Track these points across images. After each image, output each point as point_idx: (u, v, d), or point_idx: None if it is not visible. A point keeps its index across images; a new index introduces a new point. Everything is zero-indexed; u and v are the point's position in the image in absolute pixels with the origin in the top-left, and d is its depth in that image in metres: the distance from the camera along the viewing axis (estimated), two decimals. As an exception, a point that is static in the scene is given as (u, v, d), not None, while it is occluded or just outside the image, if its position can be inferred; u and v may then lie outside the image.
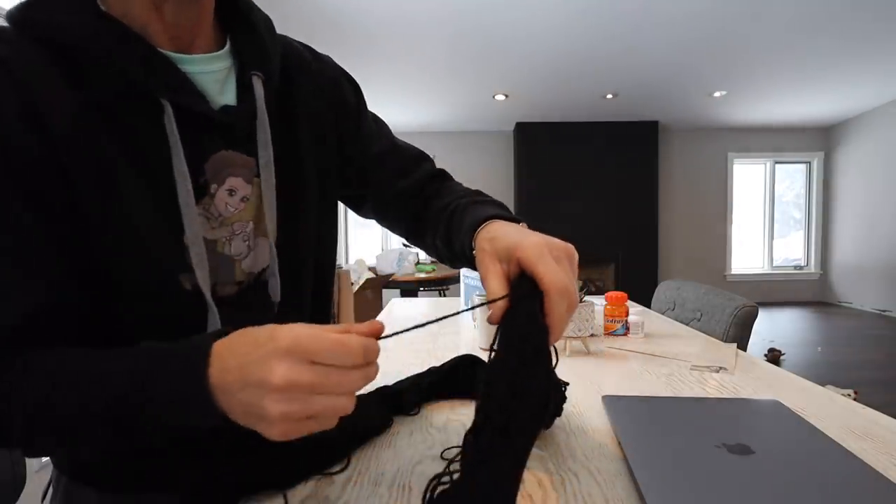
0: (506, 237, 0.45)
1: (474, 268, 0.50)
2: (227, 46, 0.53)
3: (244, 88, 0.52)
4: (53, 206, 0.42)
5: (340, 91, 0.65)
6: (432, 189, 0.66)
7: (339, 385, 0.34)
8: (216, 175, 0.50)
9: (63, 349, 0.42)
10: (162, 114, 0.45)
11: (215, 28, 0.54)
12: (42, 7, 0.43)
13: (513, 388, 0.37)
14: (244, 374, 0.33)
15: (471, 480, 0.34)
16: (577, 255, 0.45)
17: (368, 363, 0.35)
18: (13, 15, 0.44)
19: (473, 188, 0.69)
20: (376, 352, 0.36)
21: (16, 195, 0.40)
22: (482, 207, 0.54)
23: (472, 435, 0.37)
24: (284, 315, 0.57)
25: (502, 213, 0.52)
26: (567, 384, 0.65)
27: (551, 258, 0.41)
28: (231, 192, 0.51)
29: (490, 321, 0.42)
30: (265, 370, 0.32)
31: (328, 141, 0.62)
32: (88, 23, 0.43)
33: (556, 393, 0.60)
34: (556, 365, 0.44)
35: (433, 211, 0.63)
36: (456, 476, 0.35)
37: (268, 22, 0.57)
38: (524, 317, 0.41)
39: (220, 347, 0.36)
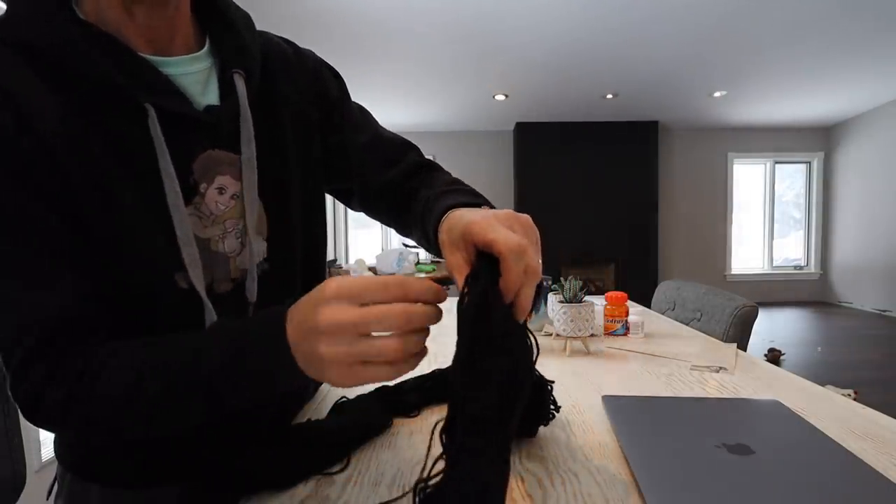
0: (458, 223, 0.42)
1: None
2: (207, 46, 0.54)
3: (226, 87, 0.52)
4: (63, 207, 0.43)
5: (323, 83, 0.65)
6: (417, 180, 0.64)
7: (381, 321, 0.35)
8: (205, 174, 0.51)
9: (132, 341, 0.44)
10: (146, 117, 0.45)
11: (194, 27, 0.54)
12: (19, 17, 0.44)
13: (470, 376, 0.35)
14: (301, 327, 0.36)
15: (450, 481, 0.33)
16: (533, 226, 0.42)
17: (410, 300, 0.36)
18: None
19: (472, 187, 0.68)
20: (419, 291, 0.36)
21: (32, 196, 0.41)
22: (445, 198, 0.51)
23: (445, 434, 0.36)
24: None
25: (462, 201, 0.49)
26: (552, 382, 0.58)
27: (501, 225, 0.39)
28: (221, 190, 0.52)
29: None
30: (313, 316, 0.35)
31: (312, 135, 0.62)
32: (66, 30, 0.43)
33: (529, 375, 0.49)
34: (530, 343, 0.40)
35: (415, 204, 0.61)
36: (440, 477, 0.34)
37: (246, 19, 0.57)
38: (473, 297, 0.37)
39: (290, 313, 0.39)
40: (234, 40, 0.54)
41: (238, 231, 0.54)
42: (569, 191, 5.99)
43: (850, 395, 2.78)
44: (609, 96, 5.05)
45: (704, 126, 6.37)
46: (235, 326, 0.42)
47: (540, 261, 0.40)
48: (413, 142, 0.71)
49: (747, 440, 0.53)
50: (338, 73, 0.68)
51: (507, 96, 5.03)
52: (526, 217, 0.42)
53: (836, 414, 0.65)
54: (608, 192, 6.00)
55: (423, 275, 4.12)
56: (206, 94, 0.52)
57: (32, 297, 0.42)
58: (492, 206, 0.50)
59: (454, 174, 0.71)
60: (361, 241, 6.69)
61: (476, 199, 0.51)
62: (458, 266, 0.41)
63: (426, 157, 0.70)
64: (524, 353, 0.39)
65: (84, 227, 0.44)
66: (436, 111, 5.56)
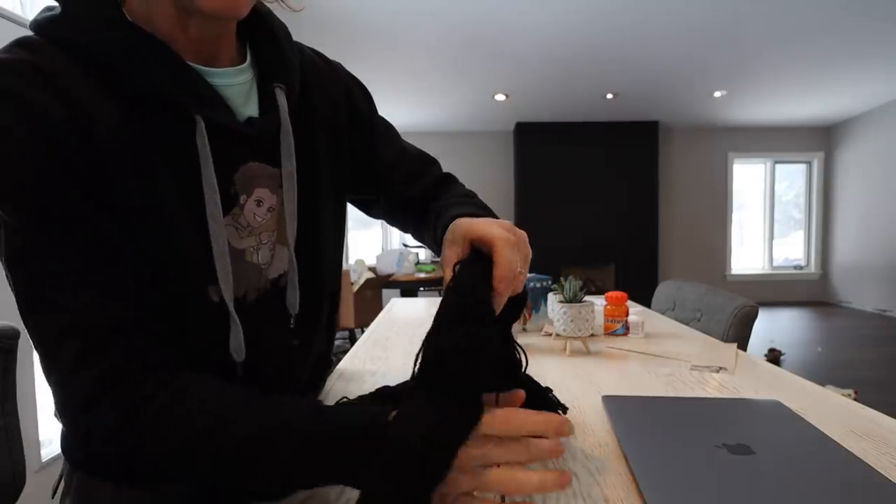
0: (461, 225, 0.49)
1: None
2: (249, 59, 0.54)
3: (267, 100, 0.53)
4: (112, 210, 0.42)
5: (352, 98, 0.66)
6: (436, 192, 0.68)
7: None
8: (245, 186, 0.51)
9: (209, 379, 0.43)
10: (194, 127, 0.45)
11: (235, 38, 0.54)
12: (73, 17, 0.43)
13: (433, 345, 0.39)
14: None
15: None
16: (527, 241, 0.48)
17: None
18: (42, 26, 0.43)
19: (473, 188, 0.71)
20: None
21: (82, 195, 0.40)
22: (456, 208, 0.57)
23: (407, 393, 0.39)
24: (302, 321, 0.58)
25: (470, 211, 0.54)
26: (522, 349, 0.54)
27: (490, 222, 0.46)
28: (259, 202, 0.52)
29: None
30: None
31: (342, 148, 0.63)
32: (121, 35, 0.43)
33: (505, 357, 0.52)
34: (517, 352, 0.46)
35: (430, 213, 0.65)
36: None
37: (286, 30, 0.58)
38: (454, 277, 0.44)
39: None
40: (275, 53, 0.55)
41: (271, 243, 0.55)
42: (569, 191, 5.99)
43: (850, 394, 2.78)
44: (609, 96, 5.05)
45: (704, 126, 6.37)
46: (338, 422, 0.39)
47: (526, 273, 0.47)
48: (414, 142, 0.74)
49: (747, 440, 0.53)
50: (366, 89, 0.70)
51: (507, 96, 5.03)
52: (522, 232, 0.48)
53: (836, 414, 0.65)
54: (608, 192, 6.00)
55: (423, 274, 4.12)
56: (247, 105, 0.52)
57: (81, 298, 0.39)
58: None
59: (454, 174, 0.73)
60: (361, 240, 6.69)
61: (483, 212, 0.56)
62: (450, 259, 0.47)
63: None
64: (490, 330, 0.42)
65: (129, 235, 0.43)
66: (436, 111, 5.56)
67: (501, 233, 0.45)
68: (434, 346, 0.39)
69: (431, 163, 0.72)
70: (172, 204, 0.45)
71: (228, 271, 0.48)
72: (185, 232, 0.46)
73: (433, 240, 0.61)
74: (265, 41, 0.55)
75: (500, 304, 0.45)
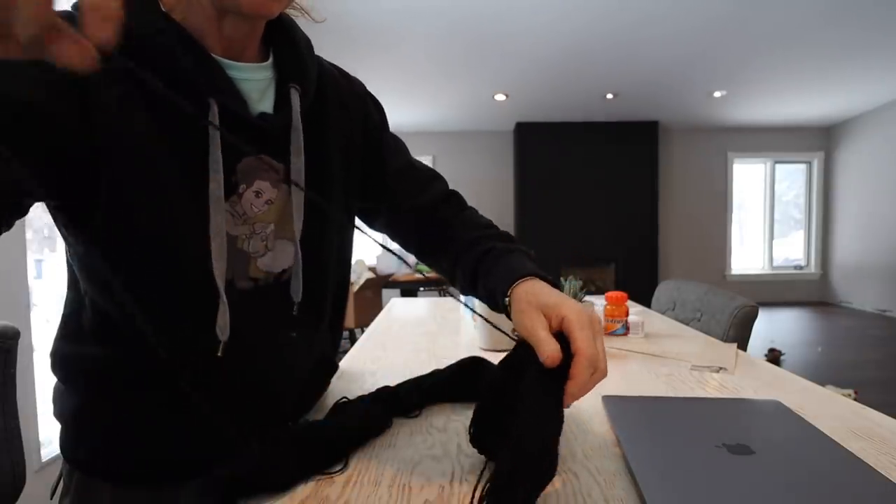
0: (548, 297, 0.49)
1: (499, 310, 0.55)
2: (271, 59, 0.56)
3: (282, 98, 0.55)
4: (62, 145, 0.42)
5: (366, 109, 0.69)
6: (447, 212, 0.70)
7: None
8: (246, 176, 0.53)
9: None
10: (207, 112, 0.47)
11: (260, 41, 0.56)
12: None
13: (543, 442, 0.40)
14: None
15: None
16: (600, 323, 0.49)
17: None
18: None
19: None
20: None
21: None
22: (519, 258, 0.58)
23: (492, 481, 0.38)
24: (304, 315, 0.60)
25: (539, 272, 0.55)
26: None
27: (590, 330, 0.46)
28: (258, 194, 0.54)
29: (546, 363, 0.44)
30: None
31: (353, 155, 0.66)
32: (153, 21, 0.46)
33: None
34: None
35: (454, 240, 0.66)
36: None
37: (307, 41, 0.60)
38: (563, 374, 0.44)
39: None
40: (295, 59, 0.57)
41: (265, 234, 0.56)
42: (569, 191, 5.99)
43: (850, 395, 2.78)
44: (609, 96, 5.05)
45: (704, 126, 6.37)
46: None
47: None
48: (414, 142, 0.74)
49: (747, 440, 0.53)
50: (380, 105, 0.73)
51: (507, 96, 5.03)
52: (596, 316, 0.49)
53: (836, 414, 0.65)
54: (608, 192, 6.00)
55: (422, 274, 4.13)
56: (262, 101, 0.54)
57: None
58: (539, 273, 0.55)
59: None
60: (361, 240, 6.68)
61: (542, 271, 0.56)
62: (544, 326, 0.47)
63: (427, 160, 0.72)
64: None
65: (113, 198, 0.44)
66: (436, 111, 5.55)
67: (589, 346, 0.45)
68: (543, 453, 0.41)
69: (437, 178, 0.74)
70: (174, 181, 0.47)
71: (224, 250, 0.50)
72: (184, 208, 0.48)
73: (468, 274, 0.62)
74: (287, 47, 0.58)
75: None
